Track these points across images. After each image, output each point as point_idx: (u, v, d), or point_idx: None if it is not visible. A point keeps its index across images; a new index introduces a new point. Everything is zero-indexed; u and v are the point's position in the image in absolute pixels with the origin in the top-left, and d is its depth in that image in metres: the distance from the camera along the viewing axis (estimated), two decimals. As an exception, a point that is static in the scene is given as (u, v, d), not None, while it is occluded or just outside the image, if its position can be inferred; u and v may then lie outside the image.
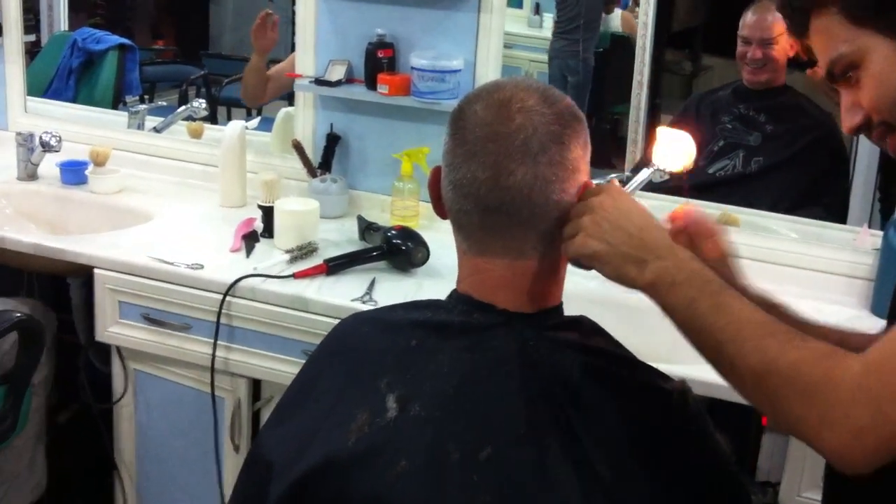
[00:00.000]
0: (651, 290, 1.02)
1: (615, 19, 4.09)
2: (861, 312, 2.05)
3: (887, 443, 0.88)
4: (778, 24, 2.50)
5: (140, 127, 2.89)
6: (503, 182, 1.06)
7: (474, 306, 1.11)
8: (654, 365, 1.16)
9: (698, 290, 0.99)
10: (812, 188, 2.50)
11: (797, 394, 0.91)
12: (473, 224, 1.10)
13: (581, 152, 1.10)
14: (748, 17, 2.54)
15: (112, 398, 2.22)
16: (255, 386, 2.10)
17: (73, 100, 3.24)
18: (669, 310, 1.02)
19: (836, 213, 2.50)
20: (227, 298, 1.99)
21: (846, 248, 2.16)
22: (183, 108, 2.93)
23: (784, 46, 2.51)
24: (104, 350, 2.22)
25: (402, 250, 2.10)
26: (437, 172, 1.15)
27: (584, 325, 1.16)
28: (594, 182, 1.12)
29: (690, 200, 2.45)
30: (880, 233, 2.11)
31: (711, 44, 3.98)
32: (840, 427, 0.88)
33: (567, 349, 1.09)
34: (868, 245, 2.13)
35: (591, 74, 4.08)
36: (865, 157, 2.74)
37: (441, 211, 1.16)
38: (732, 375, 0.97)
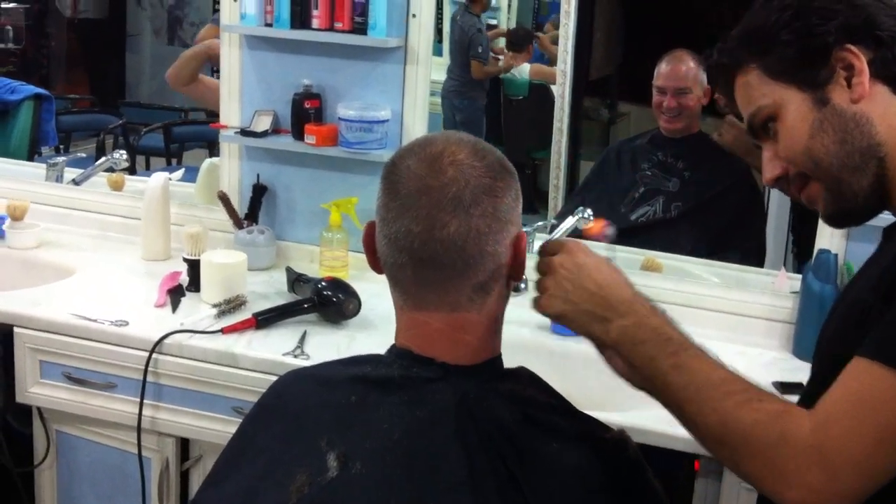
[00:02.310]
0: (616, 347, 1.07)
1: (525, 70, 4.22)
2: (784, 355, 2.09)
3: (843, 498, 0.92)
4: (691, 73, 2.58)
5: (59, 179, 2.82)
6: (436, 235, 1.06)
7: (413, 360, 1.11)
8: (587, 412, 1.18)
9: (658, 349, 1.03)
10: (731, 232, 2.57)
11: (754, 455, 0.95)
12: (408, 278, 1.11)
13: (513, 204, 1.12)
14: (662, 68, 2.61)
15: (33, 461, 2.14)
16: (184, 445, 2.04)
17: (-13, 152, 3.17)
18: (634, 366, 1.06)
19: (755, 255, 2.58)
20: (154, 356, 1.94)
21: (766, 291, 2.22)
22: (103, 159, 2.88)
23: (698, 95, 2.59)
24: (24, 411, 2.14)
25: (333, 302, 2.08)
26: (371, 227, 1.16)
27: (523, 377, 1.17)
28: (524, 230, 1.15)
29: (615, 246, 2.51)
30: (797, 276, 2.18)
31: (627, 91, 4.11)
32: (797, 487, 0.93)
33: (506, 401, 1.10)
34: (786, 288, 2.19)
35: (482, 114, 4.24)
36: (777, 201, 2.85)
37: (376, 266, 1.16)
38: (694, 432, 1.02)
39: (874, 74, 1.04)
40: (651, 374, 1.04)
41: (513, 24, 4.98)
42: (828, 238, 2.08)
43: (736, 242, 2.57)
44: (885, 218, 1.10)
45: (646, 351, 1.04)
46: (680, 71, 2.58)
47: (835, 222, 1.11)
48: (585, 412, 1.17)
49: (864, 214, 1.08)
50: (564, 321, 1.10)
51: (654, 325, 1.05)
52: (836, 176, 1.05)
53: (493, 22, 5.24)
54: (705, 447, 1.02)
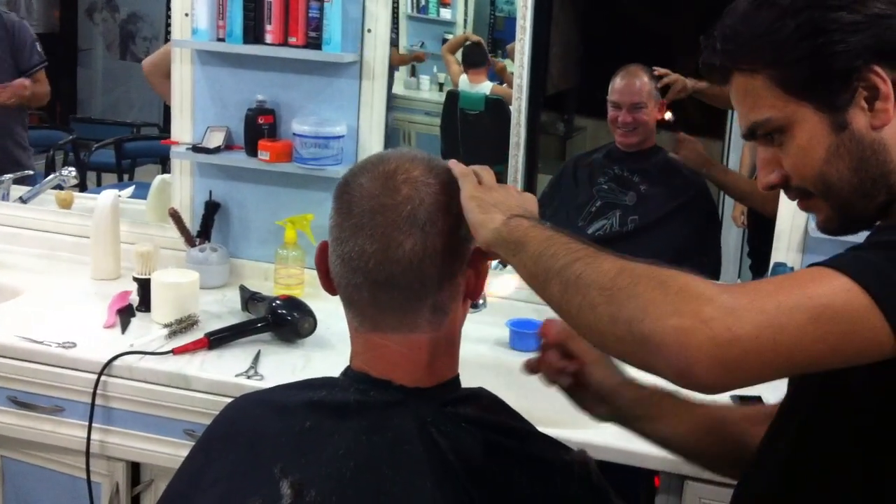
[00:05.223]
0: (510, 227, 1.01)
1: (485, 88, 4.25)
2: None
3: (736, 341, 0.83)
4: (645, 88, 2.59)
5: (5, 197, 2.77)
6: (392, 254, 1.04)
7: (371, 384, 1.08)
8: (546, 429, 1.16)
9: (552, 233, 0.99)
10: (687, 245, 2.58)
11: (651, 285, 0.87)
12: (364, 299, 1.08)
13: None
14: (616, 83, 2.62)
15: (-24, 489, 2.08)
16: (134, 469, 2.00)
17: (-69, 169, 3.08)
18: (521, 243, 1.00)
19: (712, 268, 2.59)
20: (103, 378, 1.90)
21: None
22: (52, 176, 2.82)
23: (652, 110, 2.60)
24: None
25: (288, 321, 2.05)
26: (324, 247, 1.13)
27: (484, 398, 1.15)
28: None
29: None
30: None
31: (583, 105, 4.12)
32: (687, 315, 0.84)
33: (468, 425, 1.07)
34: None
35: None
36: (732, 212, 2.87)
37: (330, 287, 1.13)
38: (575, 295, 0.92)
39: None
40: (539, 251, 0.97)
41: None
42: (784, 252, 2.09)
43: (692, 256, 2.58)
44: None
45: (543, 232, 0.99)
46: (634, 86, 2.59)
47: (832, 233, 1.07)
48: (544, 430, 1.15)
49: (863, 228, 1.04)
50: (468, 200, 1.05)
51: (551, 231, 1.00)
52: (846, 200, 1.01)
53: (450, 37, 5.25)
54: (588, 302, 0.91)
